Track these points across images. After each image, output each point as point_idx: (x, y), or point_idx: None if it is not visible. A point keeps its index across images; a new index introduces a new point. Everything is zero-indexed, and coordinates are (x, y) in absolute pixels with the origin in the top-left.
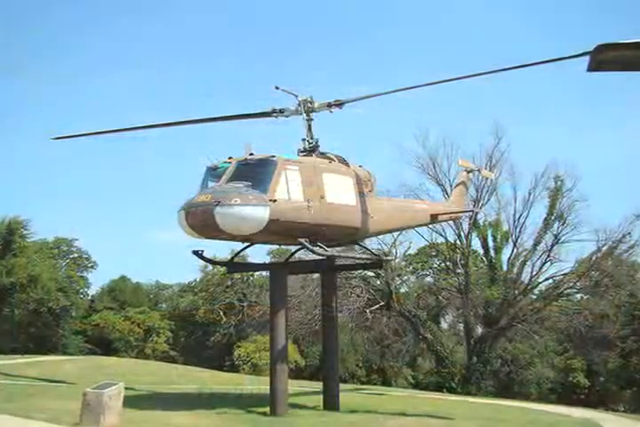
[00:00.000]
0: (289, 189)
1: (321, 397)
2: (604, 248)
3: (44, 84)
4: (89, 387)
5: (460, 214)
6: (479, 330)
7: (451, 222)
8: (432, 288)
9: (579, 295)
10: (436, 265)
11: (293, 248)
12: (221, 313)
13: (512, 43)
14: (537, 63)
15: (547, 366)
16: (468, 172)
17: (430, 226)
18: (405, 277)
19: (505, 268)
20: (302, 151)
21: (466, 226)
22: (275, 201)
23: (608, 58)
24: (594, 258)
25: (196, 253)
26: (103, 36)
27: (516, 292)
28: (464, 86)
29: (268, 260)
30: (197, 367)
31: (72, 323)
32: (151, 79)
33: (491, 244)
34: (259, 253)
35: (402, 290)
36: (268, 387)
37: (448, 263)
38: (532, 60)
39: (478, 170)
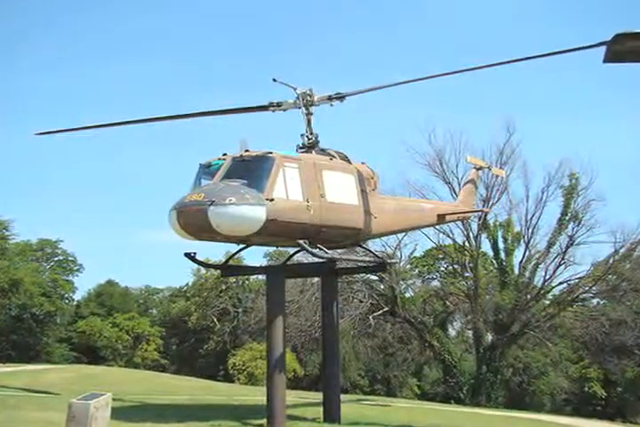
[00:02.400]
0: (287, 187)
1: (321, 408)
2: (622, 250)
3: (24, 77)
4: (75, 397)
5: (469, 214)
6: (489, 337)
7: (459, 223)
8: (439, 293)
9: (595, 300)
10: (443, 268)
11: (292, 250)
12: (215, 319)
13: (522, 34)
14: (550, 54)
15: (561, 376)
16: (478, 169)
17: (437, 227)
18: (411, 282)
19: (516, 271)
20: (301, 147)
21: (475, 227)
22: (272, 200)
23: (626, 48)
24: (611, 261)
25: (188, 255)
26: (91, 27)
27: (529, 297)
28: (473, 79)
29: (264, 263)
30: (190, 377)
31: (57, 330)
32: (143, 72)
33: (501, 246)
34: (255, 256)
35: (407, 295)
36: (265, 398)
37: (456, 266)
38: (545, 51)
39: (488, 167)
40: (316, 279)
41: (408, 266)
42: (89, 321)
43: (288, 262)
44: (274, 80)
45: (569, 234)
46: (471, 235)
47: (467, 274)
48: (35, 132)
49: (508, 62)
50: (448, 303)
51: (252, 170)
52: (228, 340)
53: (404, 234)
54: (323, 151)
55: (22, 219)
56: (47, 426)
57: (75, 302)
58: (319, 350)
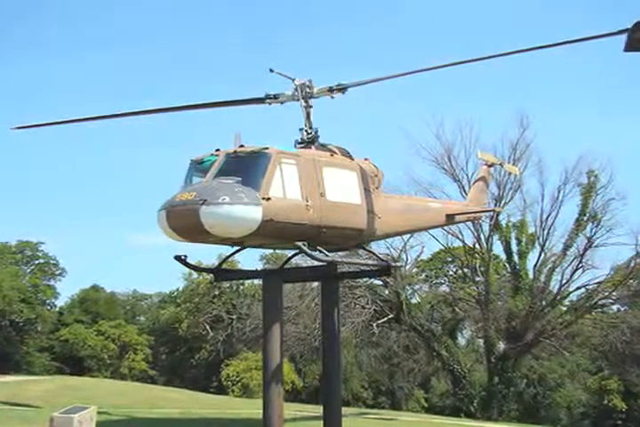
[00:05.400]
0: (285, 185)
1: (321, 422)
2: None
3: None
4: (57, 411)
5: (480, 214)
6: (501, 346)
7: (469, 224)
8: (447, 298)
9: (615, 307)
10: (451, 272)
11: (290, 253)
12: (208, 327)
13: (535, 22)
14: (566, 42)
15: (578, 388)
16: (489, 166)
17: (446, 228)
18: (417, 286)
19: (531, 275)
20: (300, 143)
21: (486, 228)
22: (269, 199)
23: None
24: (632, 264)
25: (178, 258)
26: (78, 14)
27: (544, 303)
28: (484, 70)
29: (260, 266)
30: (180, 389)
31: (37, 338)
32: (130, 62)
33: (514, 248)
34: (250, 259)
35: (413, 301)
36: (261, 411)
37: (466, 270)
38: (562, 39)
39: (500, 164)
40: (315, 284)
41: (414, 270)
42: (72, 329)
43: (286, 266)
44: (271, 71)
45: (587, 235)
46: (482, 236)
47: (477, 278)
48: (12, 127)
49: (522, 51)
50: (457, 310)
51: (246, 167)
52: (222, 349)
53: (410, 235)
54: (323, 147)
55: (1, 219)
56: None
57: (57, 309)
58: (319, 360)
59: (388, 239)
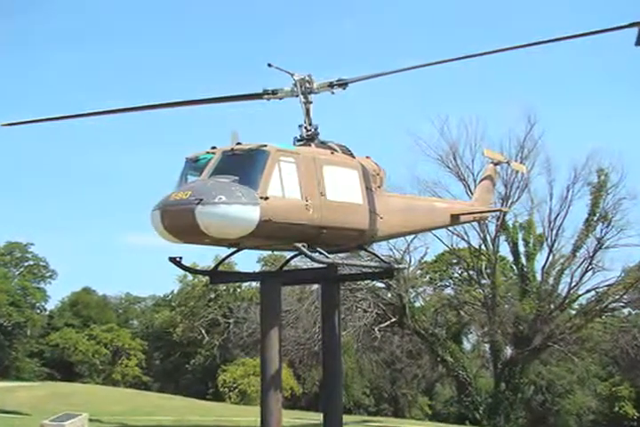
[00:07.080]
0: (283, 184)
1: None
2: None
3: None
4: (47, 418)
5: (486, 214)
6: (508, 351)
7: (475, 224)
8: (452, 302)
9: (626, 310)
10: (457, 274)
11: (288, 254)
12: (203, 331)
13: (543, 15)
14: (576, 36)
15: (588, 394)
16: (496, 164)
17: (450, 228)
18: (421, 289)
19: (539, 278)
20: (299, 140)
21: (492, 228)
22: (267, 199)
23: None
24: None
25: (173, 260)
26: (65, 8)
27: (552, 306)
28: (491, 64)
29: (258, 268)
30: (175, 395)
31: (27, 343)
32: (122, 58)
33: (522, 249)
34: (248, 261)
35: (417, 304)
36: (259, 419)
37: (471, 272)
38: (571, 33)
39: (507, 162)
40: (315, 287)
41: (418, 272)
42: (63, 333)
43: (284, 268)
44: (269, 65)
45: (597, 236)
46: (488, 237)
47: (483, 281)
48: (1, 123)
49: (531, 45)
50: (462, 313)
51: (244, 165)
52: (218, 354)
53: (413, 236)
54: (323, 144)
55: None
56: None
57: (47, 312)
58: (319, 365)
59: (390, 240)
